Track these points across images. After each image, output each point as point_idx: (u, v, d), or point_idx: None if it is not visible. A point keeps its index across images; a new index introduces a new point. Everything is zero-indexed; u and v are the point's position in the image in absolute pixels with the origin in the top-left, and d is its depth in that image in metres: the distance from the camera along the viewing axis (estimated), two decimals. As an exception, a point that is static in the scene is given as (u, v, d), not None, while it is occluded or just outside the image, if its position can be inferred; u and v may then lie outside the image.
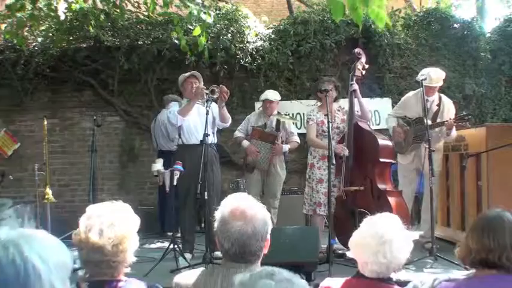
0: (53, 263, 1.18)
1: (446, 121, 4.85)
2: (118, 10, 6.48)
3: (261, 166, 5.65)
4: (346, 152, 4.75)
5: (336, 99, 5.08)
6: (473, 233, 1.97)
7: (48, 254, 1.18)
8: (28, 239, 1.19)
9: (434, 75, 5.04)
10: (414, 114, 5.12)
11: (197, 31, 4.97)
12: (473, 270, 1.99)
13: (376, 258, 2.02)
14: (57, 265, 1.19)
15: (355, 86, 4.86)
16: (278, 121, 5.74)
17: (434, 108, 5.10)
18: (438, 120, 5.00)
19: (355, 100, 4.90)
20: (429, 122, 4.86)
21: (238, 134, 5.84)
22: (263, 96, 5.81)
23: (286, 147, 5.74)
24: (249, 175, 5.76)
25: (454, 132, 5.01)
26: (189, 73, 5.14)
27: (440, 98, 5.17)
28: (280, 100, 7.28)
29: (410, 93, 5.39)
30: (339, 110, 5.12)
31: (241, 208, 1.84)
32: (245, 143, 5.69)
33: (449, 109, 5.16)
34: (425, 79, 4.84)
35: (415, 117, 5.09)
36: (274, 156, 5.62)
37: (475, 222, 2.04)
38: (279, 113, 5.88)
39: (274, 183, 5.71)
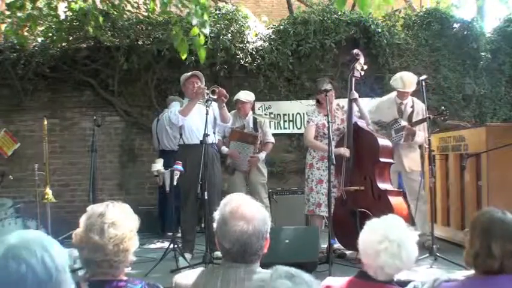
0: (67, 263, 1.23)
1: (428, 117, 4.87)
2: (117, 10, 6.49)
3: (241, 168, 5.63)
4: (348, 154, 4.74)
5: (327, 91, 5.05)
6: (475, 235, 1.96)
7: (63, 254, 1.22)
8: (47, 240, 1.22)
9: (406, 80, 5.17)
10: (389, 117, 5.26)
11: (195, 31, 4.97)
12: (473, 271, 1.99)
13: (393, 262, 2.01)
14: (67, 265, 1.23)
15: (356, 95, 4.87)
16: (255, 120, 5.74)
17: (409, 110, 5.26)
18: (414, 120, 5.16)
19: (354, 105, 4.91)
20: (405, 123, 5.12)
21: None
22: (235, 97, 5.77)
23: (263, 156, 5.70)
24: (231, 177, 5.73)
25: (420, 137, 5.16)
26: (190, 73, 5.14)
27: (413, 101, 5.32)
28: (280, 100, 7.34)
29: (384, 98, 5.57)
30: (337, 109, 5.11)
31: (241, 208, 1.84)
32: (224, 149, 5.63)
33: (422, 110, 5.19)
34: (425, 79, 4.89)
35: (391, 120, 5.23)
36: (253, 165, 5.60)
37: (478, 224, 2.02)
38: (253, 112, 5.86)
39: (257, 183, 5.69)
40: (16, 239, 1.19)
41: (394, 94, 5.37)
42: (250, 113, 5.82)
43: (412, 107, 5.26)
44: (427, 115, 4.84)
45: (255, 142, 5.61)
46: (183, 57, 5.23)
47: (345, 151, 4.73)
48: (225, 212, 1.85)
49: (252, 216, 1.82)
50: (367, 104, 5.91)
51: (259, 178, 5.72)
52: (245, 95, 5.76)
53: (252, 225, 1.80)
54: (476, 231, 1.97)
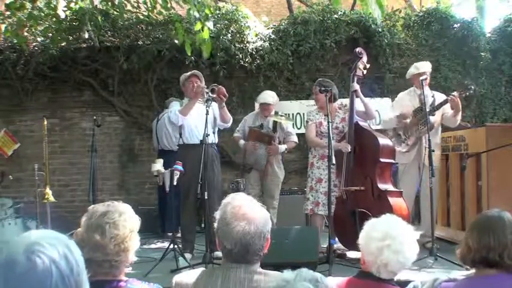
0: (83, 262, 1.27)
1: (448, 98, 4.86)
2: (118, 10, 6.48)
3: (257, 166, 5.66)
4: (349, 148, 4.73)
5: (334, 100, 5.04)
6: (473, 232, 1.98)
7: (80, 253, 1.27)
8: (66, 238, 1.26)
9: (418, 64, 5.32)
10: (411, 109, 5.21)
11: (198, 26, 4.98)
12: (473, 270, 2.00)
13: (397, 259, 2.01)
14: (84, 265, 1.28)
15: (356, 86, 4.85)
16: (275, 122, 5.75)
17: (430, 99, 5.18)
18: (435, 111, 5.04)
19: (358, 100, 4.89)
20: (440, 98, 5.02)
21: (236, 134, 5.87)
22: (261, 100, 5.79)
23: (283, 148, 5.74)
24: (247, 175, 5.76)
25: (459, 119, 5.08)
26: (190, 72, 5.14)
27: (433, 92, 5.29)
28: (280, 100, 7.33)
29: (402, 93, 5.52)
30: (340, 108, 5.09)
31: (243, 208, 1.84)
32: (241, 142, 5.74)
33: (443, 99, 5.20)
34: (425, 79, 4.90)
35: (415, 108, 5.16)
36: (271, 156, 5.63)
37: (475, 222, 2.05)
38: (276, 113, 5.86)
39: (271, 183, 5.72)
40: (36, 236, 1.22)
41: (412, 88, 5.33)
42: (272, 113, 5.83)
43: (433, 96, 5.17)
44: (453, 93, 4.86)
45: (271, 142, 5.63)
46: (189, 52, 5.24)
47: (345, 145, 4.73)
48: (226, 212, 1.85)
49: (253, 217, 1.82)
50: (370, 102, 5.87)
51: (275, 179, 5.74)
52: (272, 98, 5.80)
53: (254, 226, 1.80)
54: (473, 229, 1.99)
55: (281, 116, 5.88)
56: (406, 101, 5.32)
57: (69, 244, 1.24)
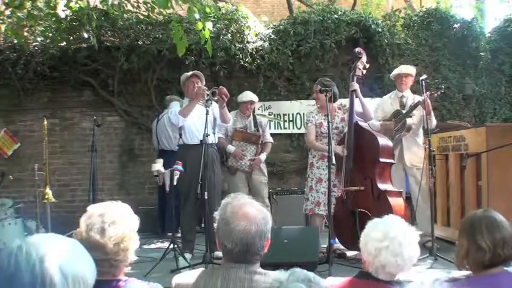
0: (73, 277, 1.17)
1: (419, 101, 4.92)
2: (116, 10, 6.47)
3: (244, 168, 5.66)
4: (345, 152, 4.74)
5: (335, 99, 5.04)
6: (462, 237, 1.98)
7: (69, 267, 1.17)
8: (53, 248, 1.18)
9: (402, 66, 5.59)
10: (391, 112, 5.36)
11: (199, 26, 4.98)
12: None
13: (395, 261, 2.00)
14: (76, 280, 1.18)
15: (356, 86, 4.87)
16: (255, 120, 5.80)
17: (410, 102, 5.26)
18: (415, 112, 5.11)
19: (357, 100, 4.90)
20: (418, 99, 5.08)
21: (219, 136, 5.77)
22: (246, 98, 5.78)
23: (264, 157, 5.75)
24: (232, 177, 5.74)
25: (434, 119, 5.16)
26: (191, 72, 5.14)
27: (414, 97, 5.35)
28: (280, 100, 7.36)
29: (385, 97, 5.70)
30: (339, 109, 5.10)
31: (243, 208, 1.84)
32: (230, 147, 5.67)
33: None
34: (425, 79, 4.91)
35: (392, 112, 5.31)
36: (255, 166, 5.65)
37: (461, 227, 2.05)
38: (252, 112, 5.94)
39: (259, 183, 5.73)
40: (32, 240, 1.19)
41: (394, 91, 5.50)
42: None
43: (414, 99, 5.23)
44: (423, 96, 4.85)
45: (258, 142, 5.67)
46: (180, 54, 5.25)
47: (341, 149, 4.74)
48: (226, 212, 1.84)
49: (254, 216, 1.82)
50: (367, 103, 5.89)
51: (261, 178, 5.75)
52: (254, 96, 5.85)
53: (255, 225, 1.80)
54: (462, 232, 1.99)
55: (263, 114, 5.92)
56: (388, 104, 5.44)
57: (46, 261, 1.16)
